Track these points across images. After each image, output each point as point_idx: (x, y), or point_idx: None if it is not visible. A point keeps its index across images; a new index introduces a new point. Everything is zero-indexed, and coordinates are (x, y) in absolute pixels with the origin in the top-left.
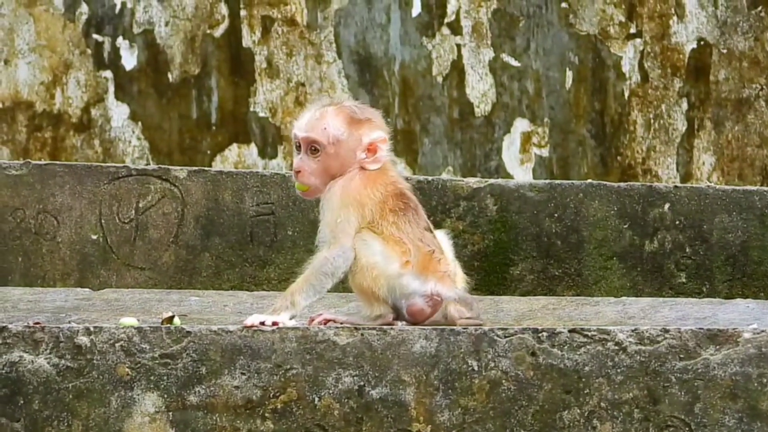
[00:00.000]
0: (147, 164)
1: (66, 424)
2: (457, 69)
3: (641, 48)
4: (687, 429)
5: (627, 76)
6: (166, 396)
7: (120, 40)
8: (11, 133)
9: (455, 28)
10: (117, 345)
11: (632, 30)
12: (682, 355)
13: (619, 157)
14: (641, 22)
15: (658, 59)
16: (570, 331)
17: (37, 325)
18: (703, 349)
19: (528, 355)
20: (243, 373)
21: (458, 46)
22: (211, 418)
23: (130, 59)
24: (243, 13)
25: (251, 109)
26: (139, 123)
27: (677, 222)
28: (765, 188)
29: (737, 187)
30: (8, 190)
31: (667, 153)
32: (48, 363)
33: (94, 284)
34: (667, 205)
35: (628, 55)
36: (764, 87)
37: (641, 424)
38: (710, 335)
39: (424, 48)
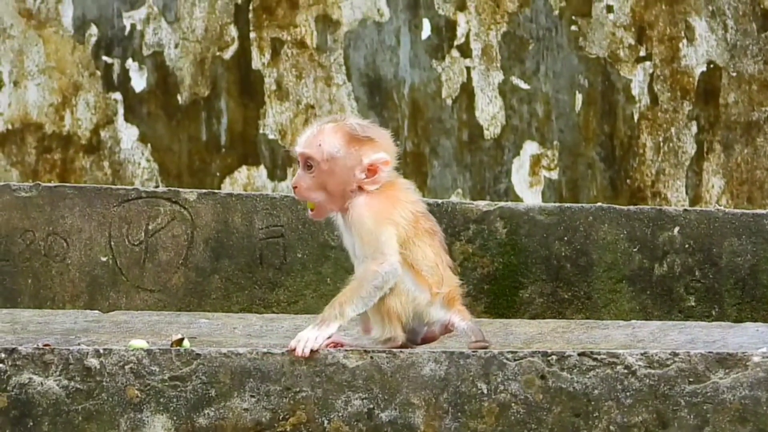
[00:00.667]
0: (156, 186)
1: None
2: (467, 91)
3: (651, 71)
4: None
5: (636, 99)
6: (175, 418)
7: (129, 62)
8: (20, 154)
9: (465, 51)
10: (126, 367)
11: (642, 53)
12: (691, 379)
13: (628, 180)
14: (651, 45)
15: (668, 82)
16: (579, 354)
17: (47, 347)
18: (712, 373)
19: (537, 378)
20: (252, 396)
21: (468, 68)
22: None
23: (139, 81)
24: (252, 35)
25: (261, 131)
26: (149, 145)
27: (686, 245)
28: None
29: (746, 211)
30: (18, 212)
31: (676, 176)
32: (57, 385)
33: (104, 306)
34: (676, 229)
35: (637, 78)
36: None
37: None
38: (719, 359)
39: (433, 70)
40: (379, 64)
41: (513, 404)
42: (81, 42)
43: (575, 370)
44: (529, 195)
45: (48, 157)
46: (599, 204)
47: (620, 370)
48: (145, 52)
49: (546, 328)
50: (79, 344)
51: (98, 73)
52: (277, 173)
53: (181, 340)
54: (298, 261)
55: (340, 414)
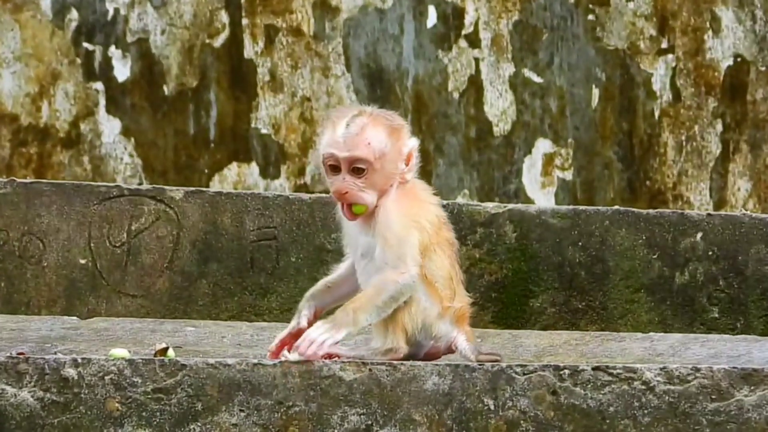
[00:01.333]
0: (140, 184)
1: None
2: (475, 85)
3: (673, 64)
4: None
5: (658, 94)
6: None
7: (112, 49)
8: None
9: (473, 41)
10: (106, 378)
11: (664, 45)
12: (713, 396)
13: (648, 182)
14: (674, 36)
15: (692, 77)
16: (594, 368)
17: (21, 356)
18: (736, 390)
19: (548, 393)
20: (242, 410)
21: (476, 59)
22: None
23: (122, 70)
24: (245, 21)
25: (252, 125)
26: (132, 139)
27: (710, 252)
28: None
29: None
30: None
31: (699, 178)
32: (32, 397)
33: (83, 312)
34: (699, 235)
35: (659, 72)
36: None
37: None
38: (744, 375)
39: (439, 61)
40: (380, 54)
41: (522, 422)
42: (60, 27)
43: (589, 386)
44: (541, 197)
45: (23, 151)
46: (616, 207)
47: (638, 386)
48: (129, 38)
49: (558, 340)
50: (55, 353)
51: (78, 61)
52: (269, 170)
53: (166, 349)
54: (292, 265)
55: (336, 430)
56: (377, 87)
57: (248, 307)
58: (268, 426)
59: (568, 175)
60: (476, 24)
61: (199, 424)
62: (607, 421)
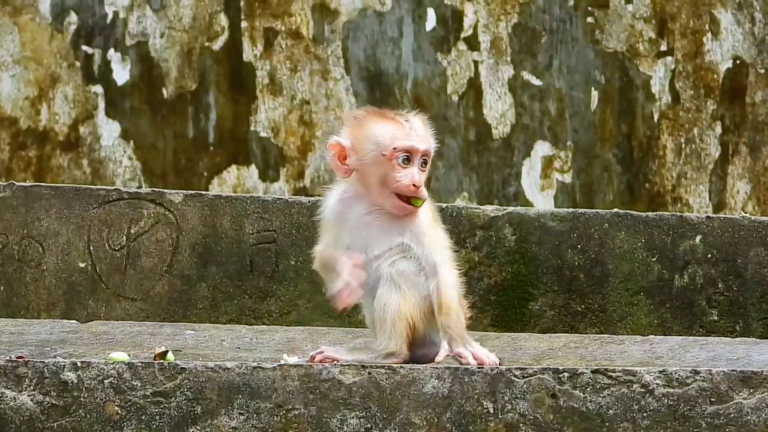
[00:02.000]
0: (139, 187)
1: None
2: (474, 87)
3: (672, 67)
4: None
5: (657, 96)
6: None
7: (111, 52)
8: None
9: (472, 44)
10: (106, 382)
11: (663, 47)
12: (713, 399)
13: (647, 184)
14: (673, 39)
15: (691, 79)
16: (593, 371)
17: (20, 360)
18: (735, 393)
19: (548, 397)
20: (241, 414)
21: (475, 62)
22: None
23: (122, 73)
24: (244, 24)
25: (252, 128)
26: (131, 142)
27: (709, 255)
28: None
29: None
30: None
31: (699, 180)
32: (31, 400)
33: (82, 316)
34: (698, 237)
35: (658, 75)
36: None
37: None
38: (744, 377)
39: (438, 64)
40: (380, 57)
41: (521, 425)
42: (59, 30)
43: (588, 389)
44: (541, 199)
45: (23, 154)
46: (615, 210)
47: (637, 388)
48: (129, 41)
49: (557, 343)
50: (55, 356)
51: (78, 64)
52: (269, 173)
53: (165, 353)
54: (292, 268)
55: None
56: (376, 90)
57: (247, 311)
58: (268, 429)
59: (568, 178)
60: (475, 27)
61: (198, 427)
62: (607, 424)
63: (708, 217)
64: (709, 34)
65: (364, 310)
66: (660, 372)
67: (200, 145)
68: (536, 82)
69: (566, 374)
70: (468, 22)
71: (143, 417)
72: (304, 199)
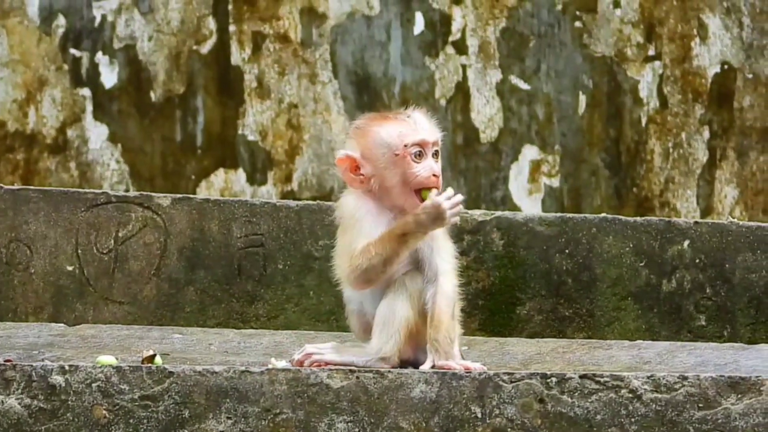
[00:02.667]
0: (127, 190)
1: None
2: (462, 91)
3: (660, 71)
4: None
5: (645, 101)
6: None
7: (99, 55)
8: None
9: (460, 48)
10: (94, 385)
11: (651, 52)
12: (701, 404)
13: (635, 189)
14: (661, 43)
15: (679, 84)
16: (581, 376)
17: (8, 363)
18: (723, 398)
19: (536, 401)
20: (229, 418)
21: (463, 66)
22: None
23: (109, 76)
24: (232, 28)
25: (240, 131)
26: (119, 145)
27: (697, 260)
28: None
29: (762, 224)
30: None
31: (686, 185)
32: (19, 404)
33: (70, 319)
34: (686, 242)
35: (646, 79)
36: None
37: None
38: (731, 383)
39: (426, 68)
40: (368, 61)
41: (509, 429)
42: (47, 33)
43: (576, 394)
44: (528, 204)
45: (10, 157)
46: (603, 214)
47: (625, 394)
48: (117, 45)
49: (545, 348)
50: (42, 360)
51: (66, 67)
52: (256, 177)
53: (153, 356)
54: (279, 272)
55: None
56: (364, 94)
57: (235, 314)
58: None
59: (555, 182)
60: (463, 31)
61: (186, 431)
62: (594, 429)
63: (696, 222)
64: (697, 39)
65: (351, 315)
66: (648, 377)
67: (188, 149)
68: (524, 86)
69: (554, 379)
70: (456, 26)
71: (131, 421)
72: (291, 203)
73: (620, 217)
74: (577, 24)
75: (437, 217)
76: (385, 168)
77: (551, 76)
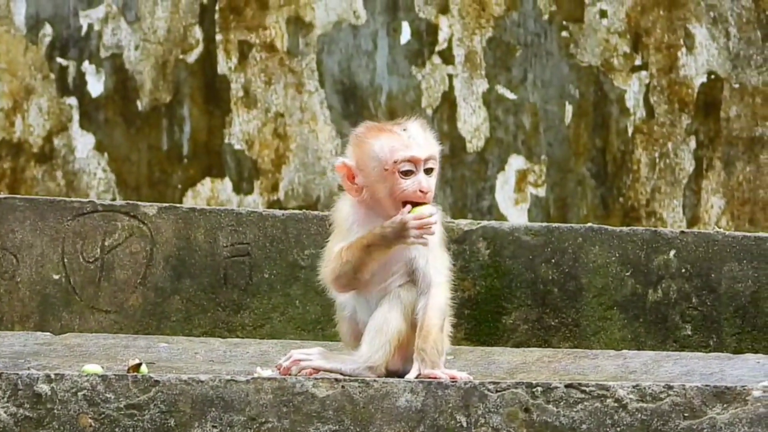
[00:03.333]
0: (113, 199)
1: None
2: (449, 101)
3: (647, 81)
4: None
5: (631, 111)
6: None
7: (86, 64)
8: None
9: (447, 57)
10: (79, 394)
11: (637, 62)
12: (686, 414)
13: (621, 199)
14: (647, 53)
15: (665, 94)
16: (566, 386)
17: None
18: (709, 408)
19: (521, 411)
20: (214, 426)
21: (450, 76)
22: None
23: (96, 85)
24: (219, 37)
25: (226, 140)
26: (105, 154)
27: (683, 270)
28: None
29: (748, 234)
30: None
31: (673, 195)
32: (5, 412)
33: (56, 328)
34: (672, 252)
35: (632, 89)
36: None
37: None
38: (717, 393)
39: (413, 78)
40: (354, 70)
41: None
42: (34, 42)
43: (562, 403)
44: (515, 213)
45: None
46: (590, 224)
47: (610, 403)
48: (103, 54)
49: (531, 357)
50: (28, 368)
51: (52, 75)
52: (243, 186)
53: (139, 365)
54: (265, 281)
55: None
56: (351, 103)
57: (221, 323)
58: None
59: (542, 192)
60: (450, 40)
61: None
62: None
63: (682, 232)
64: (684, 49)
65: (342, 321)
66: (633, 387)
67: (174, 158)
68: (510, 96)
69: (539, 388)
70: (443, 35)
71: (117, 430)
72: (278, 212)
73: (606, 226)
74: (564, 34)
75: (400, 233)
76: (376, 181)
77: (538, 86)
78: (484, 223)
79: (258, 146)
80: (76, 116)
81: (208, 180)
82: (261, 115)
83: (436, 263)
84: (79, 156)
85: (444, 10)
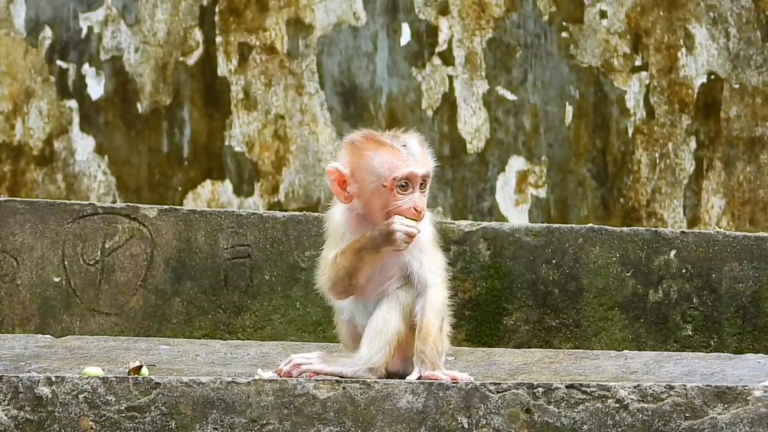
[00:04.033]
0: (114, 201)
1: None
2: (449, 102)
3: (647, 82)
4: None
5: (631, 111)
6: None
7: (86, 67)
8: None
9: (447, 58)
10: (80, 396)
11: (638, 62)
12: (687, 414)
13: (621, 199)
14: (647, 54)
15: (665, 94)
16: (567, 386)
17: None
18: (710, 408)
19: (522, 412)
20: (215, 428)
21: (450, 77)
22: None
23: (96, 88)
24: (219, 39)
25: (226, 142)
26: (106, 157)
27: (684, 270)
28: None
29: (749, 234)
30: None
31: (673, 195)
32: (6, 415)
33: (56, 330)
34: (672, 252)
35: (632, 90)
36: None
37: None
38: (718, 393)
39: (413, 79)
40: (354, 72)
41: None
42: (34, 45)
43: (563, 404)
44: (515, 214)
45: None
46: (590, 225)
47: (611, 404)
48: (103, 56)
49: (532, 358)
50: (29, 371)
51: (52, 78)
52: (243, 188)
53: (140, 367)
54: (266, 283)
55: None
56: (351, 105)
57: (222, 325)
58: None
59: (542, 193)
60: (450, 42)
61: None
62: None
63: (682, 232)
64: (684, 49)
65: (341, 324)
66: (634, 387)
67: (174, 160)
68: (511, 97)
69: (541, 389)
70: (443, 37)
71: None
72: (278, 214)
73: (607, 227)
74: (564, 35)
75: (387, 236)
76: (372, 194)
77: (538, 87)
78: (485, 224)
79: (258, 148)
80: (76, 119)
81: (208, 182)
82: (261, 117)
83: (430, 265)
84: (80, 159)
85: (444, 11)
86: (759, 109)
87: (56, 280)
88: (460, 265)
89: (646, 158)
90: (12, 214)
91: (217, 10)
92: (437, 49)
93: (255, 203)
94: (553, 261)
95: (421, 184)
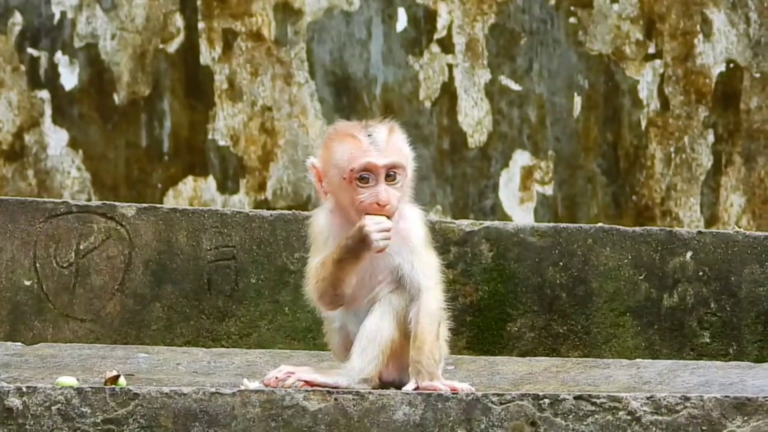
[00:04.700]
0: (89, 199)
1: None
2: (449, 93)
3: (661, 71)
4: None
5: (644, 102)
6: None
7: (59, 55)
8: None
9: (446, 46)
10: (53, 408)
11: (651, 50)
12: (704, 427)
13: (634, 197)
14: (662, 40)
15: (681, 84)
16: (576, 397)
17: None
18: (728, 420)
19: (527, 425)
20: None
21: (450, 66)
22: None
23: (70, 77)
24: (201, 25)
25: (209, 136)
26: (80, 151)
27: (701, 273)
28: None
29: None
30: None
31: (689, 192)
32: None
33: (28, 337)
34: (689, 254)
35: (646, 79)
36: None
37: None
38: (737, 404)
39: (410, 68)
40: (347, 60)
41: None
42: (2, 32)
43: (571, 416)
44: (520, 213)
45: None
46: (600, 224)
47: (623, 416)
48: (77, 43)
49: (538, 367)
50: None
51: (22, 67)
52: (227, 185)
53: (117, 377)
54: (252, 287)
55: None
56: (343, 95)
57: (205, 332)
58: None
59: (549, 190)
60: (449, 28)
61: None
62: None
63: (699, 232)
64: (701, 36)
65: (332, 333)
66: (648, 398)
67: (154, 155)
68: (515, 87)
69: (547, 400)
70: (442, 22)
71: None
72: (265, 212)
73: (618, 227)
74: (572, 20)
75: (362, 241)
76: (338, 189)
77: (544, 76)
78: (487, 223)
79: (244, 142)
80: (48, 111)
81: (190, 179)
82: (247, 108)
83: (422, 267)
84: (52, 153)
85: None
86: None
87: (27, 283)
88: (461, 267)
89: (660, 153)
90: None
91: None
92: (436, 36)
93: (240, 201)
94: (561, 263)
95: (388, 176)
